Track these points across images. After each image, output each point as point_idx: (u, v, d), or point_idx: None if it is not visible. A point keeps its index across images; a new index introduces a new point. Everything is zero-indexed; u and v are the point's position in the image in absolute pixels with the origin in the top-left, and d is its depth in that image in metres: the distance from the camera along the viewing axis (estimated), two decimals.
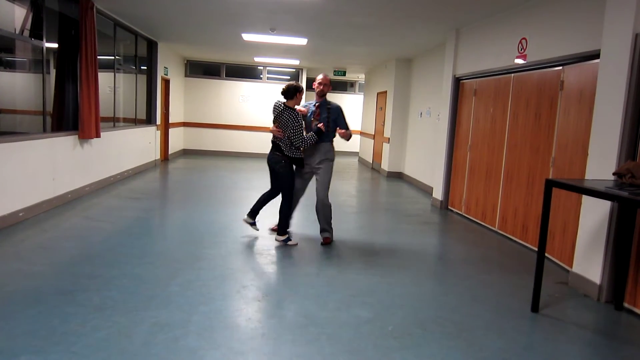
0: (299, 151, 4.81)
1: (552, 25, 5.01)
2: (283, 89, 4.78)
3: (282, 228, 4.93)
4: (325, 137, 4.91)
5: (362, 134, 14.87)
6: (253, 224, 5.13)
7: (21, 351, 2.55)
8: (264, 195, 5.08)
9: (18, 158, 5.18)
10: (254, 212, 5.08)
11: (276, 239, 4.99)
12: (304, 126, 4.79)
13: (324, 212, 5.00)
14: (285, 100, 4.81)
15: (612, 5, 3.84)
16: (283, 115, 4.71)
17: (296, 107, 4.84)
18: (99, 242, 4.67)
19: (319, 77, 5.01)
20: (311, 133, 4.79)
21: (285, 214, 4.91)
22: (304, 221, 6.05)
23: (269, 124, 5.12)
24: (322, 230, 5.10)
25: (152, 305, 3.23)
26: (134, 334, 2.81)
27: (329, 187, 5.01)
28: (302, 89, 4.83)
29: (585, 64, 4.50)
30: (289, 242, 4.94)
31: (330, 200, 5.03)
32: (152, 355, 2.59)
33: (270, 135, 4.91)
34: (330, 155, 5.01)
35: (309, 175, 5.09)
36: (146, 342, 2.72)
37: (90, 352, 2.58)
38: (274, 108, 4.85)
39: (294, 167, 4.87)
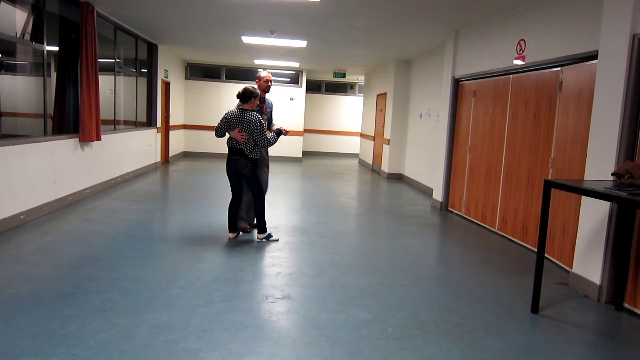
0: (259, 152, 4.92)
1: (551, 27, 5.02)
2: (239, 92, 4.83)
3: (261, 227, 5.04)
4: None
5: (362, 135, 14.89)
6: (238, 234, 5.16)
7: (22, 353, 2.56)
8: (231, 207, 5.06)
9: (19, 161, 5.19)
10: (233, 226, 5.09)
11: (258, 238, 5.08)
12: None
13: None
14: (241, 105, 4.85)
15: (609, 6, 3.86)
16: (245, 118, 4.75)
17: None
18: (100, 245, 4.69)
19: (265, 74, 5.29)
20: (273, 134, 4.94)
21: (262, 213, 5.02)
22: (304, 223, 6.07)
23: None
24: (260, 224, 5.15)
25: (153, 307, 3.24)
26: (135, 336, 2.82)
27: None
28: (258, 94, 4.89)
29: (583, 65, 4.51)
30: (271, 239, 5.08)
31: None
32: (152, 357, 2.60)
33: (223, 141, 4.99)
34: (266, 148, 5.21)
35: None
36: (146, 344, 2.73)
37: (90, 355, 2.59)
38: (230, 117, 4.79)
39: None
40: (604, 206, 3.81)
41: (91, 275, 3.78)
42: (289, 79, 14.43)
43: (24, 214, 5.26)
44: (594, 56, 4.16)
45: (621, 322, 3.52)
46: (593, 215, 3.94)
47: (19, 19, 5.85)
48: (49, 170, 5.82)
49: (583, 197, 4.05)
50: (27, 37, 5.75)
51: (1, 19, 5.66)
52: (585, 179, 4.06)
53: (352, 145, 16.34)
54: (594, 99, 4.00)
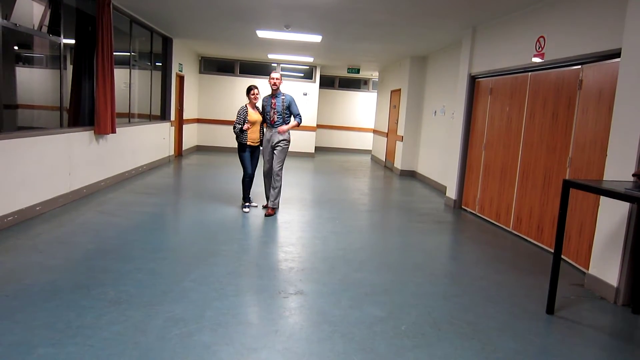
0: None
1: (571, 23, 4.93)
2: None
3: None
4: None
5: (375, 132, 14.82)
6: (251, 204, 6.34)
7: (38, 343, 2.59)
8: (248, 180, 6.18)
9: (35, 153, 5.25)
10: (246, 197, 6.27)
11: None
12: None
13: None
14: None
15: (634, 2, 3.77)
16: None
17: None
18: (114, 237, 4.72)
19: (273, 75, 5.99)
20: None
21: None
22: (316, 218, 6.05)
23: None
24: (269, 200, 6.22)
25: (167, 300, 3.26)
26: (149, 329, 2.84)
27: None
28: (250, 89, 6.07)
29: (605, 63, 4.43)
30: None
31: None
32: (166, 350, 2.61)
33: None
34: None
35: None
36: (160, 337, 2.75)
37: (105, 346, 2.61)
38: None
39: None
40: (623, 207, 3.74)
41: (105, 267, 3.82)
42: (302, 74, 14.39)
43: (39, 205, 5.32)
44: (616, 54, 4.08)
45: (638, 325, 3.46)
46: (611, 217, 3.88)
47: (36, 11, 5.90)
48: (64, 162, 5.87)
49: (602, 197, 3.98)
50: (44, 29, 5.80)
51: (19, 12, 5.71)
52: (604, 179, 3.99)
53: (365, 141, 16.28)
54: (615, 98, 3.93)
